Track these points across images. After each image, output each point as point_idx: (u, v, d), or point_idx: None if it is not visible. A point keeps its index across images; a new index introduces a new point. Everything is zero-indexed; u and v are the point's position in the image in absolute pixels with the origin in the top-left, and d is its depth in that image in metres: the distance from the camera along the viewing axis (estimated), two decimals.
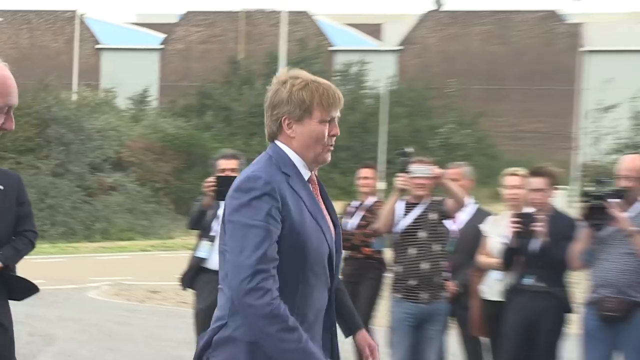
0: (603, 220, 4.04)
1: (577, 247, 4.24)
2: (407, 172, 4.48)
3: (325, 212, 2.07)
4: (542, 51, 41.77)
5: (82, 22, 37.35)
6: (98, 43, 42.39)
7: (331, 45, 44.29)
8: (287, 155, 1.99)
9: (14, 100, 1.79)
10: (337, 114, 2.02)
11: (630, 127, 36.38)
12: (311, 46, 41.44)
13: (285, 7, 25.78)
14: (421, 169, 4.53)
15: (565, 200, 24.04)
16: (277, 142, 2.00)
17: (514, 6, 47.24)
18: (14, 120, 1.79)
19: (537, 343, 4.26)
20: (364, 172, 6.02)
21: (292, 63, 33.63)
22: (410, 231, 4.56)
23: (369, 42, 45.77)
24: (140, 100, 39.27)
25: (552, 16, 43.20)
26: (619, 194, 4.10)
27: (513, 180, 4.81)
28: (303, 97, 1.95)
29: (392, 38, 45.26)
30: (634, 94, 35.09)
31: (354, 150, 36.22)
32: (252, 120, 37.09)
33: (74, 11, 34.13)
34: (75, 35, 34.43)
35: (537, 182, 4.42)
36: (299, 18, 41.04)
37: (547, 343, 4.35)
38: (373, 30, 46.17)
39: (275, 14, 37.87)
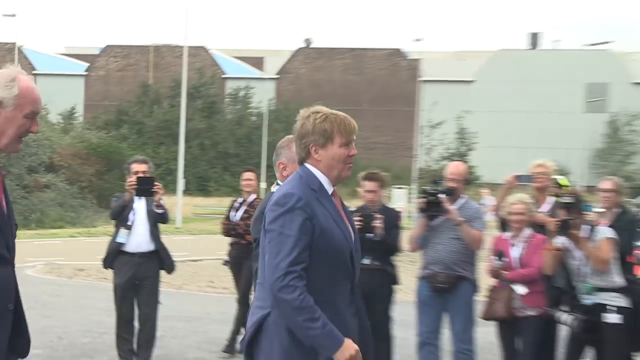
0: (437, 212, 4.54)
1: (414, 233, 4.79)
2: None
3: (345, 219, 2.29)
4: (389, 80, 49.01)
5: (20, 52, 41.26)
6: (34, 69, 46.90)
7: (223, 74, 51.05)
8: (314, 175, 2.23)
9: (39, 107, 1.98)
10: (353, 137, 2.26)
11: (455, 139, 41.61)
12: (208, 74, 47.37)
13: (187, 43, 27.38)
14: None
15: (407, 197, 28.47)
16: (306, 165, 2.24)
17: (367, 44, 53.38)
18: (38, 124, 2.02)
19: (374, 309, 4.39)
20: (247, 174, 6.33)
21: (192, 88, 40.12)
22: None
23: (253, 72, 53.20)
24: (69, 116, 44.06)
25: (397, 53, 50.87)
26: (448, 191, 4.60)
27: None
28: (325, 127, 2.21)
29: (272, 68, 52.83)
30: (458, 114, 40.25)
31: (241, 157, 41.82)
32: (160, 133, 42.75)
33: (13, 43, 36.69)
34: (15, 63, 38.75)
35: (370, 185, 4.84)
36: (198, 51, 46.85)
37: (382, 308, 4.77)
38: (256, 62, 53.70)
39: (178, 48, 41.22)
